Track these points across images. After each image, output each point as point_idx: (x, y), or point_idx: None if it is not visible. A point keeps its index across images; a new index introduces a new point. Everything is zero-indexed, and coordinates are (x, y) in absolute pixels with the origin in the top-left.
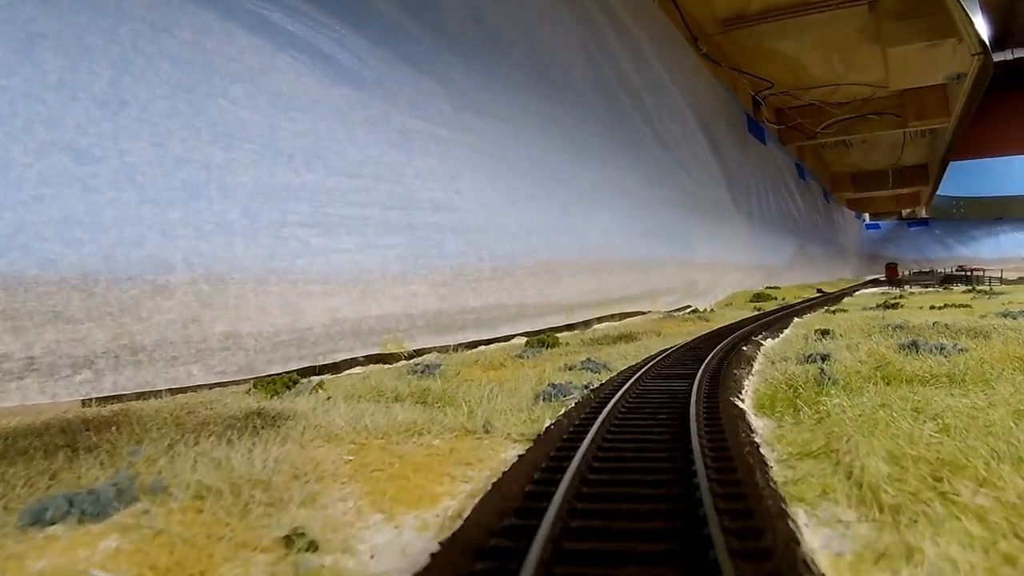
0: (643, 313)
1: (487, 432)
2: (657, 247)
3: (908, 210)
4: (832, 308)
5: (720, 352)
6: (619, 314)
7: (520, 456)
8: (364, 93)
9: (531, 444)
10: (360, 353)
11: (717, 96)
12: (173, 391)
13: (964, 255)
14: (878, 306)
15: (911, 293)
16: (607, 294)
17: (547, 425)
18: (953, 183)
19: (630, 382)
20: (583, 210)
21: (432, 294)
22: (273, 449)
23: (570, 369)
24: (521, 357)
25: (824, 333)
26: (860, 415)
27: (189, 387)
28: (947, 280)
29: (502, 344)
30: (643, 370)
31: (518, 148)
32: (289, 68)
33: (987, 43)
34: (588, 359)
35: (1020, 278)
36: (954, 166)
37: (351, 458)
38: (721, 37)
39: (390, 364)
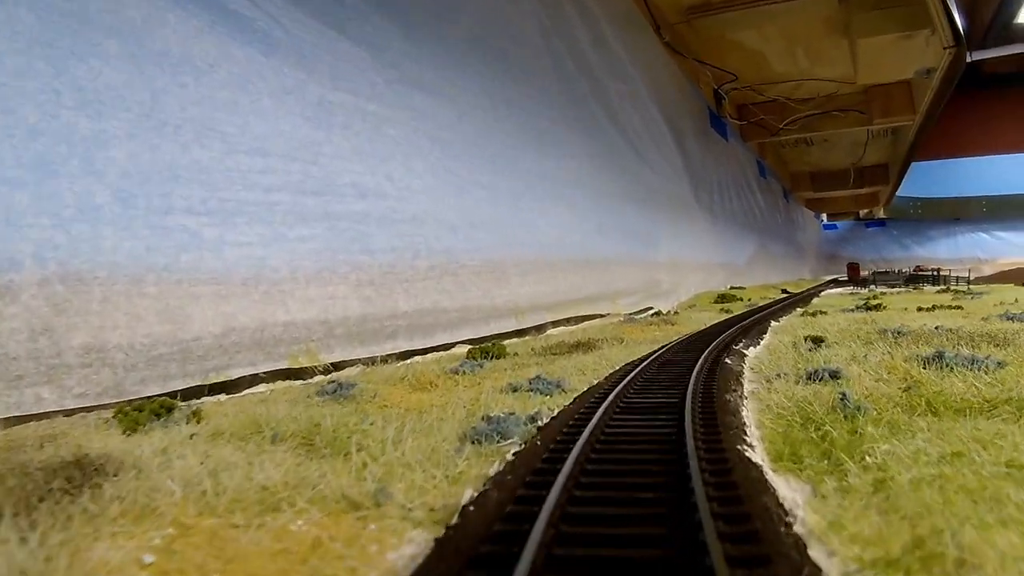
0: (602, 316)
1: (379, 504)
2: (617, 244)
3: (866, 210)
4: (809, 310)
5: (701, 367)
6: (575, 317)
7: None
8: (275, 58)
9: (435, 540)
10: (263, 368)
11: (680, 87)
12: (15, 420)
13: (921, 255)
14: (858, 307)
15: (883, 293)
16: (562, 295)
17: (466, 500)
18: (910, 184)
19: (595, 418)
20: (536, 202)
21: (355, 296)
22: (37, 540)
23: (514, 391)
24: (457, 372)
25: (816, 341)
26: (937, 475)
27: (38, 415)
28: (913, 280)
29: (440, 354)
30: (610, 396)
31: (462, 130)
32: (181, 24)
33: (962, 34)
34: (538, 376)
35: (978, 277)
36: (912, 167)
37: (151, 559)
38: (684, 26)
39: (304, 380)
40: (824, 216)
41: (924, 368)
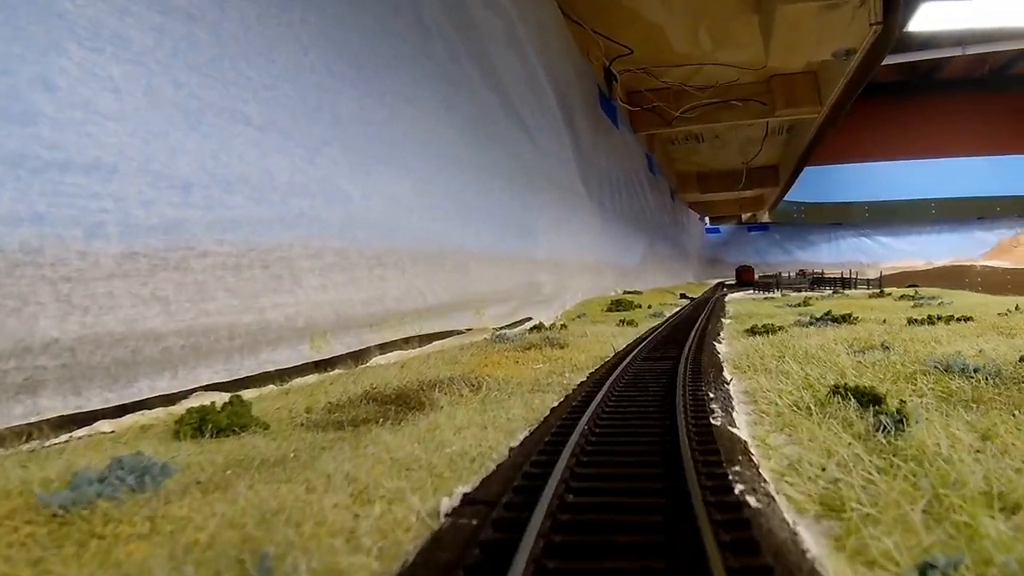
0: (460, 333)
1: None
2: (484, 234)
3: (749, 214)
4: (757, 326)
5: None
6: (417, 337)
7: None
8: None
9: None
10: None
11: (570, 54)
12: None
13: (804, 260)
14: (814, 319)
15: (814, 298)
16: (397, 304)
17: None
18: (794, 188)
19: None
20: (353, 161)
21: None
22: None
23: None
24: (67, 508)
25: (870, 400)
26: None
27: None
28: (818, 283)
29: (150, 415)
30: None
31: (222, 28)
32: None
33: (900, 6)
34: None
35: (869, 283)
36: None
37: None
38: None
39: None
40: (707, 219)
41: None
